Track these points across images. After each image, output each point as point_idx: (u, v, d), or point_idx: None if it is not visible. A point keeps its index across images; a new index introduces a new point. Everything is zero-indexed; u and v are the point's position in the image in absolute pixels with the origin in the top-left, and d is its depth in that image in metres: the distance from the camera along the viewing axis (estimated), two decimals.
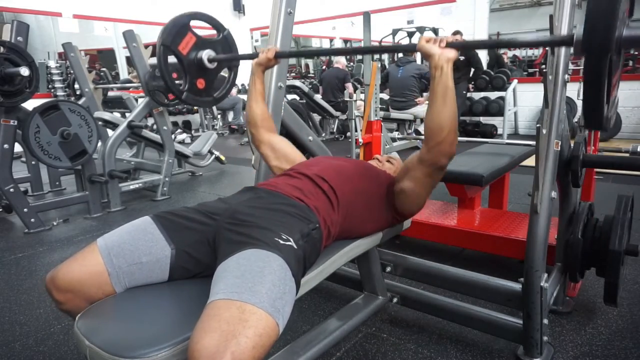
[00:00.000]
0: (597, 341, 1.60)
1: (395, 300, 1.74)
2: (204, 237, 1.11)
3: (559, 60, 1.39)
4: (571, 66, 1.47)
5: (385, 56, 10.75)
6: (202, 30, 1.67)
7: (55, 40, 9.88)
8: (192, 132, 8.10)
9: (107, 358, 0.84)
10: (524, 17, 13.07)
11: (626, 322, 1.72)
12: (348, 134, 3.07)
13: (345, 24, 9.23)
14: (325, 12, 8.77)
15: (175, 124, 8.09)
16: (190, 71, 1.63)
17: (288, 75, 6.71)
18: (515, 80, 6.22)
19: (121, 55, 9.11)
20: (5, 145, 2.98)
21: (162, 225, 1.12)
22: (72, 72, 4.84)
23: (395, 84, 5.89)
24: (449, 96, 1.18)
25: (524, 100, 6.57)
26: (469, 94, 6.35)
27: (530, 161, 1.83)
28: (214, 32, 1.75)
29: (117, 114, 4.80)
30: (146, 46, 3.95)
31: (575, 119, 5.20)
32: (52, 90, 7.01)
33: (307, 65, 14.64)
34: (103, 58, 11.01)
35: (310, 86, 7.56)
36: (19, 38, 2.95)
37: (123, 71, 9.25)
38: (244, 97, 8.88)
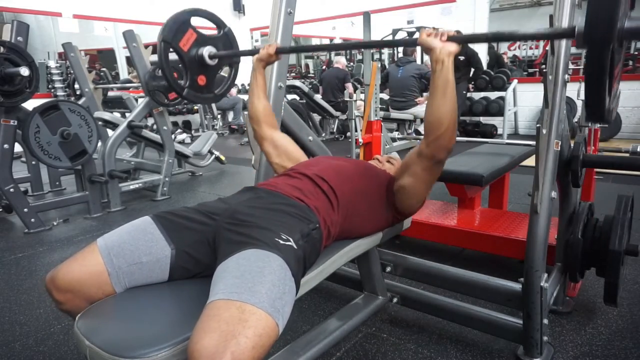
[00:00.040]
0: (597, 341, 1.60)
1: (395, 300, 1.74)
2: (204, 237, 1.11)
3: (559, 60, 1.39)
4: (571, 66, 1.47)
5: (385, 56, 10.75)
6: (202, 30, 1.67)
7: (55, 40, 9.89)
8: (192, 132, 8.10)
9: (107, 358, 0.84)
10: (524, 17, 13.07)
11: (626, 322, 1.72)
12: (348, 134, 3.07)
13: (345, 24, 9.23)
14: (325, 12, 8.77)
15: (175, 124, 8.09)
16: (191, 68, 1.64)
17: (288, 75, 6.70)
18: (515, 80, 6.22)
19: (121, 55, 9.12)
20: (5, 145, 2.98)
21: (162, 225, 1.12)
22: (72, 72, 4.85)
23: (395, 84, 5.89)
24: (449, 90, 1.17)
25: (524, 100, 6.57)
26: (469, 94, 6.35)
27: (530, 161, 1.83)
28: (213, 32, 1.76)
29: (117, 114, 4.80)
30: (146, 46, 3.95)
31: (575, 119, 5.20)
32: (52, 90, 7.01)
33: (307, 65, 14.63)
34: (103, 58, 11.01)
35: (310, 86, 7.56)
36: (19, 38, 2.95)
37: (123, 71, 9.25)
38: (244, 97, 8.89)
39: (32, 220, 3.13)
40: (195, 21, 1.65)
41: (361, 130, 2.62)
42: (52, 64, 7.20)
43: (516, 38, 1.13)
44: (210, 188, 4.38)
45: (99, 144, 3.50)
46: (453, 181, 2.32)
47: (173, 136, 4.83)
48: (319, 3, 8.66)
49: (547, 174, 1.39)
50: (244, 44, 9.71)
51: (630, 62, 7.69)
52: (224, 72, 2.01)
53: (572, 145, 1.61)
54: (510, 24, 13.08)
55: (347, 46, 2.27)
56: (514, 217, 2.38)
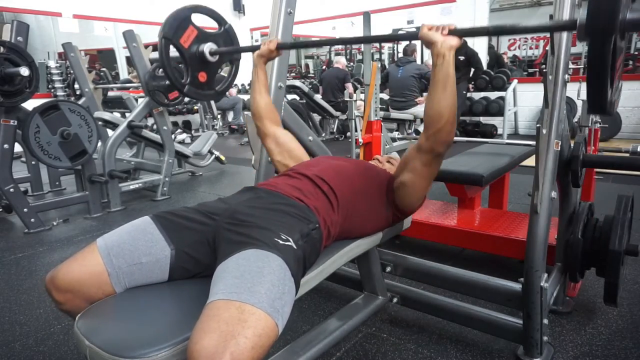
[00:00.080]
0: (597, 341, 1.60)
1: (395, 300, 1.73)
2: (204, 237, 1.11)
3: (559, 60, 1.39)
4: (571, 66, 1.47)
5: (385, 56, 10.76)
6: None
7: (55, 40, 9.89)
8: (192, 132, 8.10)
9: (107, 358, 0.84)
10: (524, 17, 13.07)
11: (626, 322, 1.72)
12: (348, 134, 3.06)
13: (345, 24, 9.23)
14: (325, 12, 8.77)
15: (175, 124, 8.09)
16: (192, 64, 1.64)
17: (288, 75, 6.70)
18: (515, 80, 6.22)
19: (121, 55, 9.12)
20: (5, 145, 2.98)
21: (162, 226, 1.12)
22: (72, 72, 4.84)
23: (395, 84, 5.90)
24: (449, 84, 1.17)
25: (524, 100, 6.57)
26: (469, 94, 6.35)
27: (530, 161, 1.83)
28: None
29: (117, 114, 4.80)
30: (146, 46, 3.95)
31: (575, 119, 5.20)
32: (52, 90, 7.02)
33: (307, 65, 14.64)
34: (103, 58, 11.02)
35: (310, 86, 7.56)
36: (19, 38, 2.95)
37: (123, 71, 9.26)
38: (244, 97, 8.89)
39: (32, 220, 3.14)
40: (196, 20, 1.65)
41: (361, 130, 2.62)
42: (52, 64, 7.20)
43: (518, 31, 1.12)
44: (210, 188, 4.38)
45: (99, 144, 3.50)
46: (453, 181, 2.32)
47: (173, 136, 4.83)
48: (319, 3, 8.66)
49: (547, 174, 1.39)
50: (244, 44, 9.70)
51: (630, 62, 7.68)
52: (224, 72, 2.01)
53: (572, 145, 1.61)
54: (510, 24, 13.06)
55: (348, 41, 2.27)
56: (514, 217, 2.38)
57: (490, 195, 2.72)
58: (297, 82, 6.88)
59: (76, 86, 4.97)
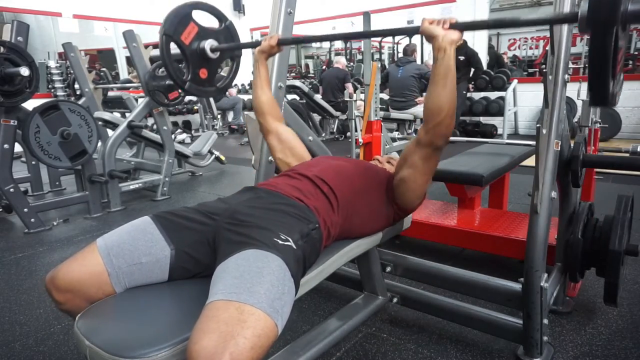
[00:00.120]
0: (597, 341, 1.60)
1: (395, 300, 1.73)
2: (204, 237, 1.11)
3: (559, 60, 1.39)
4: (571, 66, 1.47)
5: (385, 56, 10.75)
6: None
7: (55, 40, 9.89)
8: (192, 132, 8.10)
9: (107, 358, 0.84)
10: (524, 17, 13.07)
11: (626, 322, 1.72)
12: (348, 134, 3.06)
13: (345, 24, 9.23)
14: (325, 12, 8.77)
15: (175, 124, 8.09)
16: (193, 61, 1.63)
17: (288, 75, 6.70)
18: (515, 80, 6.23)
19: (121, 55, 9.12)
20: (5, 145, 2.98)
21: (162, 225, 1.12)
22: (72, 72, 4.85)
23: (395, 84, 5.90)
24: (449, 78, 1.17)
25: (524, 100, 6.57)
26: (469, 94, 6.35)
27: (530, 161, 1.83)
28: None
29: (117, 114, 4.80)
30: (146, 46, 3.95)
31: (575, 119, 5.19)
32: (52, 90, 7.02)
33: (307, 65, 14.64)
34: (103, 58, 11.02)
35: (310, 86, 7.56)
36: (19, 38, 2.95)
37: (123, 71, 9.26)
38: (244, 97, 8.89)
39: (32, 220, 3.13)
40: (197, 18, 1.64)
41: (361, 130, 2.62)
42: (52, 64, 7.20)
43: (518, 24, 1.12)
44: (210, 188, 4.38)
45: (99, 144, 3.50)
46: (453, 181, 2.32)
47: (173, 136, 4.83)
48: (319, 3, 8.66)
49: (547, 174, 1.39)
50: None
51: (630, 62, 7.68)
52: (224, 72, 2.00)
53: (572, 145, 1.61)
54: None
55: (349, 36, 2.26)
56: (514, 217, 2.38)
57: (490, 195, 2.72)
58: (297, 82, 6.87)
59: (76, 86, 4.97)
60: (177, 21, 1.56)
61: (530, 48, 13.06)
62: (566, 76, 1.43)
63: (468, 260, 2.34)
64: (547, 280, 1.40)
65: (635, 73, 7.10)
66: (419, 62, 6.69)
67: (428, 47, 7.66)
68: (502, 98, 6.05)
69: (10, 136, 3.01)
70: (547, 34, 2.81)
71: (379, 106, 2.67)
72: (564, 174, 1.61)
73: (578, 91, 2.02)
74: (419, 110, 5.60)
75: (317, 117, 7.10)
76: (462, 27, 1.16)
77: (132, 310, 1.00)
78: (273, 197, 1.20)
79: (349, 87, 6.64)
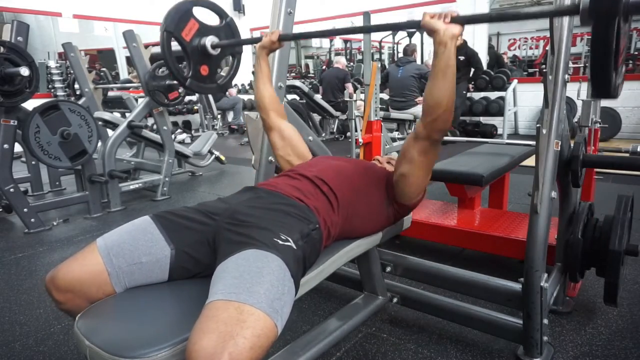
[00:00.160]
0: (597, 341, 1.60)
1: (395, 300, 1.73)
2: (204, 237, 1.11)
3: (559, 60, 1.39)
4: (571, 65, 1.47)
5: (385, 56, 10.76)
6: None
7: (55, 40, 9.90)
8: (192, 132, 8.10)
9: (107, 358, 0.84)
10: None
11: (626, 322, 1.72)
12: (348, 134, 3.06)
13: (345, 24, 9.22)
14: (325, 12, 8.76)
15: (175, 124, 8.09)
16: (193, 58, 1.63)
17: (288, 75, 6.69)
18: (515, 80, 6.22)
19: (121, 55, 9.13)
20: (5, 145, 2.98)
21: (162, 225, 1.12)
22: (72, 72, 4.85)
23: (395, 84, 5.90)
24: (449, 73, 1.17)
25: (524, 100, 6.56)
26: (469, 94, 6.35)
27: (530, 161, 1.83)
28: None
29: (117, 114, 4.80)
30: (146, 46, 3.95)
31: (575, 119, 5.19)
32: (52, 90, 7.02)
33: (307, 65, 14.65)
34: (103, 58, 11.02)
35: (310, 86, 7.56)
36: (19, 38, 2.95)
37: (123, 71, 9.26)
38: (244, 97, 8.89)
39: (32, 220, 3.13)
40: (197, 15, 1.64)
41: (361, 130, 2.62)
42: (52, 64, 7.20)
43: (520, 17, 1.11)
44: (210, 188, 4.38)
45: (99, 144, 3.50)
46: (453, 181, 2.32)
47: (173, 136, 4.83)
48: (319, 3, 8.66)
49: (547, 174, 1.39)
50: None
51: (630, 62, 7.67)
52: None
53: (572, 145, 1.61)
54: (510, 24, 13.06)
55: (350, 30, 2.25)
56: (514, 217, 2.38)
57: (490, 195, 2.72)
58: (297, 82, 6.88)
59: (76, 86, 4.97)
60: (178, 18, 1.56)
61: (530, 48, 13.06)
62: (566, 76, 1.43)
63: (468, 260, 2.34)
64: (547, 280, 1.40)
65: (635, 73, 7.10)
66: (418, 62, 6.69)
67: (428, 47, 7.66)
68: (502, 98, 6.05)
69: (10, 136, 3.01)
70: (547, 34, 2.81)
71: (379, 106, 2.67)
72: (564, 174, 1.61)
73: (578, 91, 2.02)
74: (418, 110, 5.60)
75: (317, 117, 7.11)
76: (463, 20, 1.15)
77: (132, 310, 1.00)
78: (273, 197, 1.20)
79: (349, 87, 6.65)
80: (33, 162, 4.08)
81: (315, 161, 1.47)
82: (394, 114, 5.83)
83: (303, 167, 1.39)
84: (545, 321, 1.42)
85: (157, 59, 3.84)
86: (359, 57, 11.72)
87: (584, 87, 2.01)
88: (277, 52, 1.85)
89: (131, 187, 3.88)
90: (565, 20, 1.38)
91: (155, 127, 4.16)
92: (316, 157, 1.57)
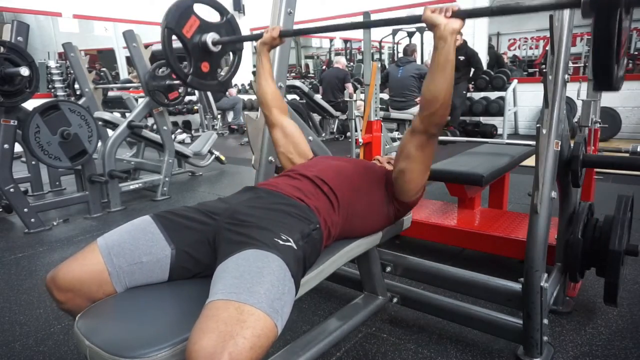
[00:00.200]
0: (597, 341, 1.60)
1: (395, 300, 1.73)
2: (204, 237, 1.11)
3: (559, 60, 1.39)
4: (571, 65, 1.47)
5: (385, 56, 10.75)
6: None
7: (55, 40, 9.90)
8: (192, 132, 8.10)
9: (107, 358, 0.84)
10: (524, 17, 13.05)
11: (626, 322, 1.72)
12: (348, 134, 3.06)
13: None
14: (325, 12, 8.76)
15: (175, 124, 8.09)
16: (194, 54, 1.63)
17: (288, 75, 6.69)
18: (515, 80, 6.22)
19: (121, 55, 9.12)
20: (5, 145, 2.98)
21: (162, 225, 1.12)
22: (72, 72, 4.84)
23: (395, 84, 5.90)
24: (448, 68, 1.17)
25: (524, 100, 6.56)
26: (469, 94, 6.35)
27: (530, 161, 1.83)
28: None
29: (117, 114, 4.80)
30: (146, 46, 3.95)
31: (575, 119, 5.18)
32: (52, 90, 7.02)
33: (307, 65, 14.65)
34: (103, 58, 11.03)
35: (310, 86, 7.56)
36: (19, 38, 2.95)
37: (123, 71, 9.26)
38: (244, 97, 8.89)
39: (32, 220, 3.13)
40: (198, 12, 1.64)
41: (361, 130, 2.62)
42: (52, 64, 7.20)
43: (520, 10, 1.10)
44: (210, 188, 4.38)
45: (99, 144, 3.50)
46: (453, 181, 2.32)
47: (173, 136, 4.83)
48: (319, 3, 8.66)
49: (547, 174, 1.39)
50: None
51: (630, 62, 7.68)
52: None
53: (572, 145, 1.61)
54: (510, 24, 13.07)
55: (351, 26, 2.24)
56: (514, 217, 2.38)
57: (490, 195, 2.72)
58: (297, 82, 6.88)
59: (76, 86, 4.97)
60: (179, 14, 1.56)
61: (530, 48, 13.06)
62: (566, 76, 1.43)
63: (468, 260, 2.34)
64: (547, 280, 1.40)
65: (635, 73, 7.10)
66: (418, 62, 6.68)
67: (428, 47, 7.66)
68: (502, 98, 6.05)
69: (10, 136, 3.01)
70: (547, 34, 2.80)
71: (379, 106, 2.67)
72: (564, 174, 1.61)
73: (578, 91, 2.02)
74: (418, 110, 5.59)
75: (317, 117, 7.11)
76: (464, 14, 1.15)
77: (132, 310, 1.00)
78: (274, 197, 1.20)
79: (349, 87, 6.65)
80: (33, 162, 4.08)
81: (315, 161, 1.47)
82: (394, 114, 5.83)
83: (303, 167, 1.39)
84: (545, 321, 1.42)
85: (158, 55, 3.84)
86: (359, 57, 11.72)
87: (584, 87, 2.01)
88: (277, 52, 1.85)
89: (131, 187, 3.88)
90: (566, 19, 1.38)
91: (155, 127, 4.16)
92: (316, 157, 1.57)
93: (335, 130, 7.19)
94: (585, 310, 1.81)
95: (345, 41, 12.64)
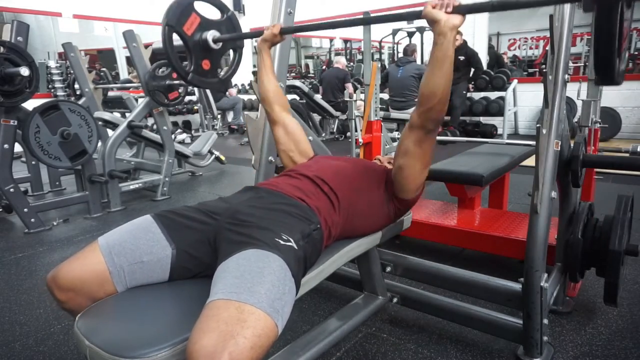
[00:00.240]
0: (597, 341, 1.60)
1: (395, 300, 1.73)
2: (205, 237, 1.11)
3: (559, 60, 1.39)
4: (571, 65, 1.47)
5: (385, 56, 10.75)
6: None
7: (55, 40, 9.90)
8: (192, 132, 8.09)
9: (107, 358, 0.84)
10: (524, 17, 13.06)
11: (626, 322, 1.72)
12: (348, 134, 3.06)
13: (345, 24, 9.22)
14: (325, 12, 8.76)
15: (175, 124, 8.08)
16: (195, 52, 1.63)
17: (288, 75, 6.69)
18: (515, 80, 6.22)
19: (121, 55, 9.12)
20: (5, 145, 2.98)
21: (163, 225, 1.12)
22: (72, 72, 4.85)
23: (395, 84, 5.90)
24: (446, 64, 1.17)
25: (524, 100, 6.56)
26: (469, 94, 6.35)
27: (530, 161, 1.83)
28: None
29: (117, 114, 4.80)
30: (146, 46, 3.95)
31: (575, 119, 5.18)
32: (52, 90, 7.02)
33: (307, 65, 14.65)
34: (103, 58, 11.02)
35: (310, 86, 7.56)
36: (19, 38, 2.95)
37: (123, 71, 9.25)
38: (244, 97, 8.88)
39: (32, 220, 3.13)
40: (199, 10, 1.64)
41: (361, 130, 2.62)
42: (52, 64, 7.20)
43: (520, 5, 1.10)
44: (210, 188, 4.38)
45: (99, 144, 3.50)
46: (453, 181, 2.32)
47: (173, 136, 4.83)
48: (319, 3, 8.66)
49: (547, 174, 1.39)
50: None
51: (630, 62, 7.67)
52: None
53: (572, 145, 1.61)
54: (510, 24, 13.08)
55: (351, 23, 2.22)
56: (514, 217, 2.38)
57: (490, 195, 2.72)
58: (297, 82, 6.88)
59: (76, 86, 4.98)
60: (180, 12, 1.56)
61: (530, 48, 13.05)
62: (566, 76, 1.43)
63: (468, 260, 2.34)
64: (547, 280, 1.40)
65: (635, 73, 7.10)
66: (418, 62, 6.68)
67: (428, 47, 7.66)
68: (502, 98, 6.05)
69: (10, 136, 3.01)
70: (547, 34, 2.80)
71: (379, 106, 2.67)
72: (564, 174, 1.61)
73: (578, 91, 2.02)
74: None
75: (317, 117, 7.11)
76: (465, 10, 1.14)
77: (132, 310, 1.00)
78: (274, 197, 1.20)
79: (349, 87, 6.65)
80: (33, 162, 4.08)
81: (315, 161, 1.48)
82: (394, 114, 5.83)
83: (303, 167, 1.39)
84: (545, 321, 1.42)
85: (158, 53, 3.84)
86: (359, 57, 11.71)
87: (584, 87, 2.01)
88: (277, 51, 1.85)
89: (131, 187, 3.88)
90: (566, 19, 1.38)
91: (155, 127, 4.16)
92: (315, 157, 1.57)
93: (335, 130, 7.19)
94: (585, 310, 1.81)
95: (345, 41, 12.64)
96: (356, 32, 11.08)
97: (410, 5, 7.85)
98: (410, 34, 7.82)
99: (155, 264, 1.07)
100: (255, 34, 1.60)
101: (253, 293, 0.85)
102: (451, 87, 1.22)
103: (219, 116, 8.51)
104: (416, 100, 1.28)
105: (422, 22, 7.83)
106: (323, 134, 7.08)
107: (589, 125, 1.98)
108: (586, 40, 8.51)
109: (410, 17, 1.28)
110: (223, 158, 4.92)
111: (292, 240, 1.02)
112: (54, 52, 9.86)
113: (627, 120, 5.86)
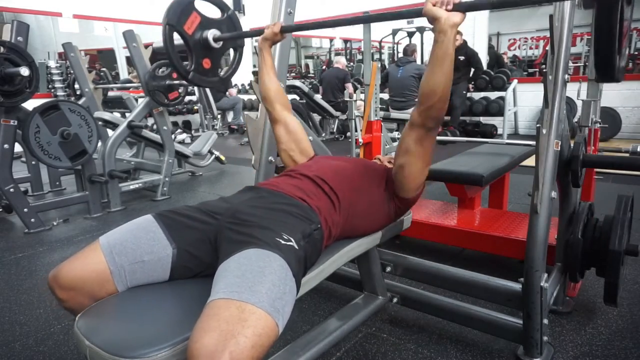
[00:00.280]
0: (597, 341, 1.60)
1: (395, 300, 1.74)
2: (206, 236, 1.11)
3: (559, 60, 1.39)
4: (571, 65, 1.47)
5: (385, 56, 10.75)
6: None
7: (55, 40, 9.90)
8: (192, 132, 8.09)
9: (107, 358, 0.84)
10: (524, 17, 13.07)
11: (626, 322, 1.72)
12: (348, 134, 3.06)
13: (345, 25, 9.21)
14: (325, 12, 8.76)
15: (175, 124, 8.08)
16: (196, 51, 1.63)
17: (288, 75, 6.70)
18: (515, 80, 6.22)
19: (121, 55, 9.12)
20: (5, 145, 2.98)
21: (164, 224, 1.12)
22: (72, 72, 4.85)
23: (395, 84, 5.90)
24: (446, 62, 1.17)
25: (524, 100, 6.57)
26: (469, 94, 6.36)
27: (530, 161, 1.83)
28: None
29: (117, 114, 4.80)
30: (146, 46, 3.95)
31: (575, 119, 5.18)
32: (52, 90, 7.02)
33: (307, 65, 14.65)
34: (103, 58, 11.03)
35: (310, 86, 7.56)
36: (19, 38, 2.95)
37: (123, 71, 9.26)
38: (244, 97, 8.88)
39: (32, 220, 3.13)
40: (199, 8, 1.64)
41: (361, 130, 2.62)
42: (52, 64, 7.20)
43: (520, 3, 1.10)
44: (210, 188, 4.38)
45: (99, 144, 3.50)
46: (453, 181, 2.32)
47: (173, 136, 4.83)
48: (319, 3, 8.66)
49: (547, 174, 1.39)
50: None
51: (630, 62, 7.67)
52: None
53: (572, 145, 1.61)
54: (510, 24, 13.09)
55: (352, 21, 2.19)
56: (514, 217, 2.38)
57: (490, 195, 2.72)
58: (297, 82, 6.88)
59: (76, 86, 4.98)
60: (180, 11, 1.56)
61: (530, 48, 13.06)
62: (566, 76, 1.43)
63: (468, 260, 2.34)
64: (547, 280, 1.40)
65: (635, 73, 7.10)
66: (418, 62, 6.69)
67: (428, 47, 7.66)
68: (502, 98, 6.05)
69: (10, 136, 3.01)
70: (547, 34, 2.80)
71: (379, 106, 2.67)
72: (564, 174, 1.61)
73: (578, 91, 2.02)
74: None
75: (317, 117, 7.11)
76: (465, 7, 1.14)
77: (133, 310, 1.00)
78: (275, 197, 1.20)
79: (349, 87, 6.65)
80: (33, 162, 4.08)
81: (315, 161, 1.48)
82: (394, 114, 5.84)
83: (303, 166, 1.39)
84: (545, 321, 1.42)
85: (159, 52, 3.84)
86: (359, 57, 11.72)
87: (584, 87, 2.01)
88: (278, 51, 1.85)
89: (131, 187, 3.88)
90: (566, 19, 1.38)
91: (155, 127, 4.16)
92: (315, 157, 1.57)
93: (335, 130, 7.19)
94: (585, 310, 1.81)
95: (345, 41, 12.64)
96: (356, 32, 11.09)
97: (409, 6, 7.86)
98: (410, 34, 7.82)
99: (156, 263, 1.07)
100: (256, 32, 1.60)
101: (254, 292, 0.85)
102: (451, 87, 1.23)
103: (219, 116, 8.50)
104: (416, 100, 1.28)
105: (422, 22, 7.84)
106: (323, 134, 7.08)
107: (589, 125, 1.98)
108: (586, 40, 8.52)
109: (410, 15, 1.28)
110: (223, 158, 4.92)
111: (292, 240, 1.02)
112: (54, 52, 9.86)
113: (627, 120, 5.86)
